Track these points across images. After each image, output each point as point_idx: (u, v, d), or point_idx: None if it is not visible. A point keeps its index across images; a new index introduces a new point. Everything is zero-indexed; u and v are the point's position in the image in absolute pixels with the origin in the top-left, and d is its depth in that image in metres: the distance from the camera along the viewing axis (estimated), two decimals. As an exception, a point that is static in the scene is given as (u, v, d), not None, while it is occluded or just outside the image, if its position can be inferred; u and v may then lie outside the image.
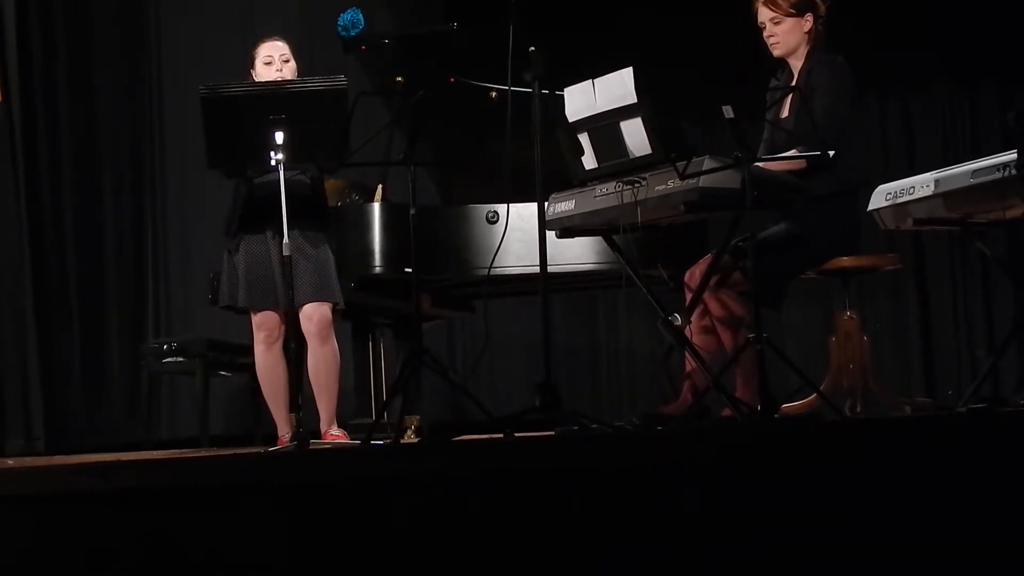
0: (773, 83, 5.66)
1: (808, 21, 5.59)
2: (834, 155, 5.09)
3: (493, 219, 6.69)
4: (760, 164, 5.04)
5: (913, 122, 8.93)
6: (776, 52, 5.64)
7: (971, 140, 8.70)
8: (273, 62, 6.21)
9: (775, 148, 5.39)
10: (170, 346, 7.77)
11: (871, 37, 8.56)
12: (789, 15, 5.58)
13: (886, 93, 8.97)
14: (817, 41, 5.61)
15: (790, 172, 5.28)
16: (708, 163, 4.90)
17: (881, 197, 5.43)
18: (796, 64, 5.63)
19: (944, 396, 8.04)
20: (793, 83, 5.52)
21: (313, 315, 6.07)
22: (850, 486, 3.61)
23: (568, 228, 5.50)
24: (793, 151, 5.27)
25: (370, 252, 6.57)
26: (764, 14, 5.63)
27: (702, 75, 7.67)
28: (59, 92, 8.83)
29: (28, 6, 8.57)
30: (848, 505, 3.59)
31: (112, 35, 9.15)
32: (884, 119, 9.00)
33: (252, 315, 6.16)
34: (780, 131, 5.44)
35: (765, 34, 5.64)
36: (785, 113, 5.52)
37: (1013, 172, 4.92)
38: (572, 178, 5.40)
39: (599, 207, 5.26)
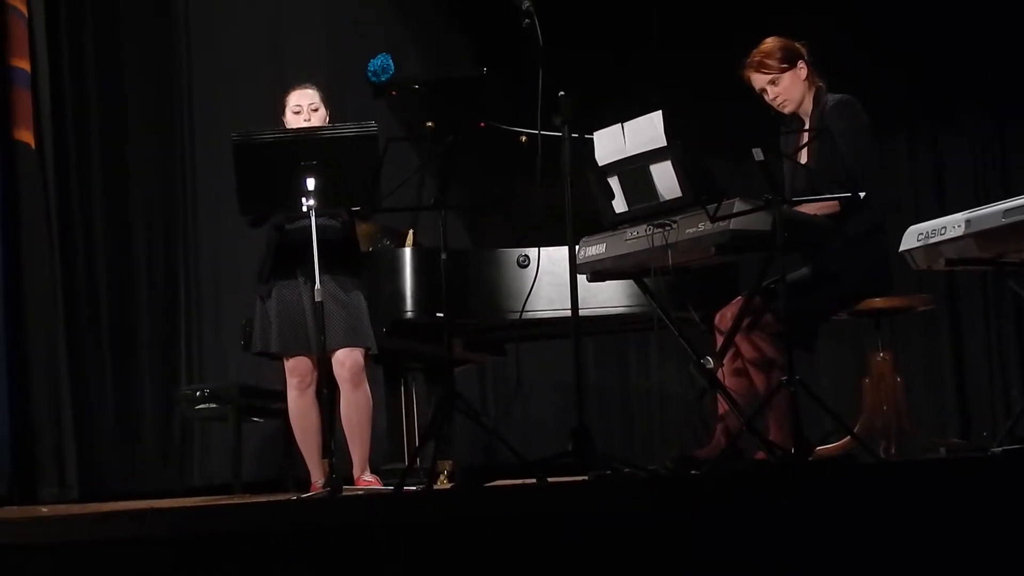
0: (784, 131, 5.66)
1: (802, 68, 5.62)
2: (864, 195, 5.09)
3: (524, 263, 6.69)
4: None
5: (943, 157, 8.91)
6: (787, 110, 5.67)
7: (1002, 174, 8.68)
8: (302, 111, 6.24)
9: (796, 193, 5.39)
10: (203, 392, 7.79)
11: (900, 72, 8.59)
12: (783, 71, 5.61)
13: (915, 128, 8.96)
14: (817, 83, 5.63)
15: (826, 216, 5.29)
16: (739, 205, 4.90)
17: (913, 237, 5.42)
18: (806, 112, 5.64)
19: (978, 437, 7.99)
20: (805, 130, 5.55)
21: (346, 360, 6.07)
22: (885, 528, 3.59)
23: (599, 271, 5.51)
24: (825, 194, 5.28)
25: (401, 297, 6.57)
26: (759, 80, 5.65)
27: (730, 116, 7.68)
28: (91, 140, 8.87)
29: (61, 52, 8.62)
30: (883, 547, 3.57)
31: (143, 81, 9.20)
32: (913, 154, 8.99)
33: (285, 361, 6.17)
34: (800, 177, 5.45)
35: (769, 98, 5.66)
36: (804, 159, 5.52)
37: (1046, 211, 4.91)
38: (603, 221, 5.41)
39: (630, 250, 5.26)
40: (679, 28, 8.90)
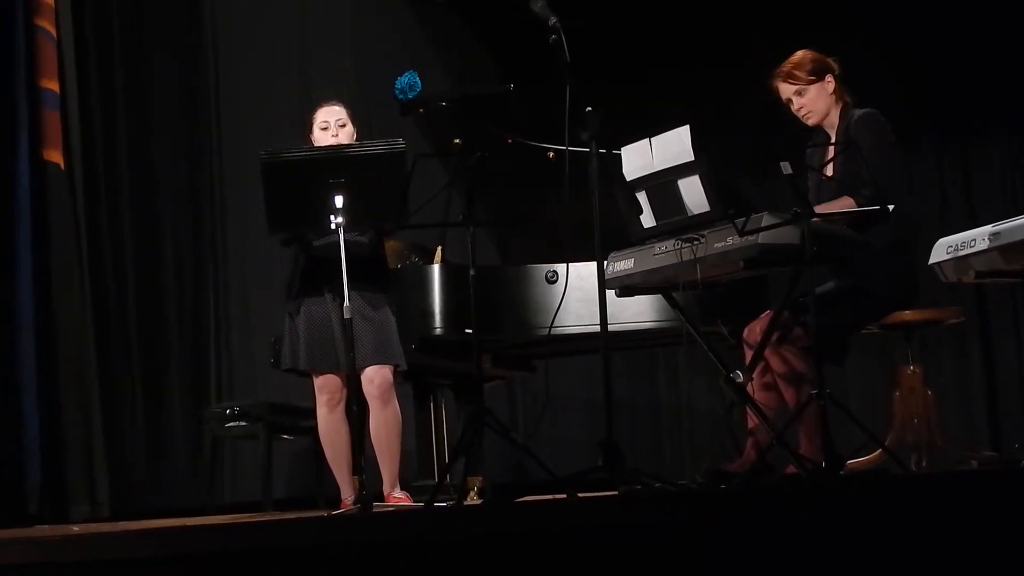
0: (811, 145, 5.65)
1: (830, 83, 5.63)
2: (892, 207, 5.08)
3: (552, 279, 6.69)
4: (817, 219, 5.04)
5: (971, 169, 8.88)
6: (811, 122, 5.67)
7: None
8: (329, 127, 6.25)
9: (821, 203, 5.39)
10: (233, 410, 7.79)
11: (927, 85, 8.57)
12: (810, 83, 5.64)
13: (943, 141, 8.94)
14: (844, 98, 5.63)
15: (846, 222, 5.27)
16: (767, 219, 4.89)
17: (942, 250, 5.40)
18: (831, 125, 5.64)
19: (1010, 450, 7.95)
20: (831, 143, 5.55)
21: (375, 378, 6.07)
22: (918, 541, 3.57)
23: (628, 286, 5.51)
24: (848, 200, 5.27)
25: (430, 313, 6.58)
26: (786, 90, 5.67)
27: (756, 130, 7.68)
28: (120, 160, 8.91)
29: (89, 73, 8.67)
30: (915, 560, 3.56)
31: (171, 101, 9.25)
32: (941, 167, 8.96)
33: (314, 378, 6.18)
34: (828, 189, 5.45)
35: (794, 108, 5.68)
36: (829, 172, 5.52)
37: (1073, 223, 4.89)
38: (631, 236, 5.40)
39: (658, 265, 5.26)
40: (704, 47, 8.90)
